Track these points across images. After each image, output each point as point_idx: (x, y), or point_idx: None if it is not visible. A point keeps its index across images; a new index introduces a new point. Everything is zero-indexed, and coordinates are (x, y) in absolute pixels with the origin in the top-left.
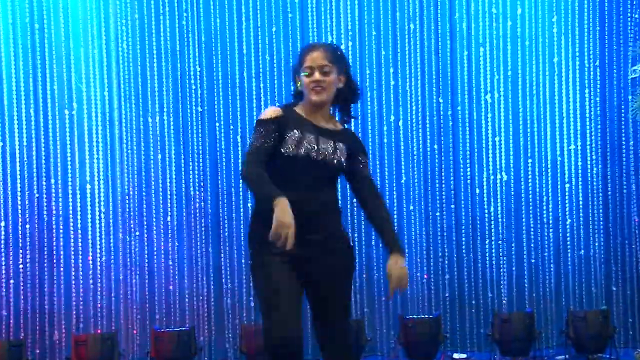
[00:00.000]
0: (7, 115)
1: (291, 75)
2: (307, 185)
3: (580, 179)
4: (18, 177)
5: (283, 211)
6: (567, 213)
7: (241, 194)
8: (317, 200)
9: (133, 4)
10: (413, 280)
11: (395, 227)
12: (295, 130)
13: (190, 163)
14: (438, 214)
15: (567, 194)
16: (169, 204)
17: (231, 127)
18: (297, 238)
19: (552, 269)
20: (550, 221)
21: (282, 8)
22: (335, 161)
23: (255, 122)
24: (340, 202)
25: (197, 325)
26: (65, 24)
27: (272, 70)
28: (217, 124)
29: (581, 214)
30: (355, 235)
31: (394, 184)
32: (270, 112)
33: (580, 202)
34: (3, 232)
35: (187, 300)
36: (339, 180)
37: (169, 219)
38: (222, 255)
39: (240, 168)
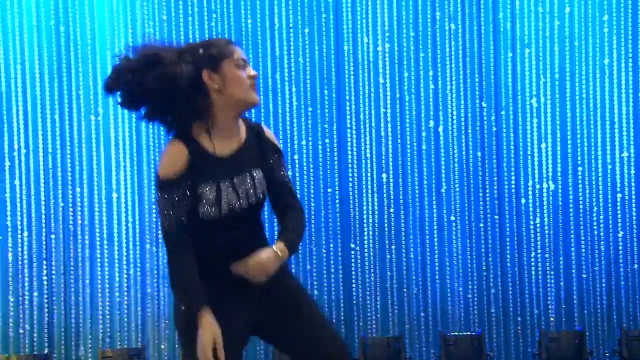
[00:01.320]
0: (32, 121)
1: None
2: (236, 236)
3: (633, 188)
4: (42, 185)
5: (208, 341)
6: (619, 224)
7: None
8: (247, 248)
9: (161, 5)
10: (455, 295)
11: (297, 236)
12: (208, 184)
13: None
14: (481, 225)
15: (619, 204)
16: None
17: None
18: (234, 289)
19: (603, 284)
20: (601, 233)
21: (316, 8)
22: (259, 195)
23: (158, 181)
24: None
25: None
26: (92, 26)
27: (306, 73)
28: None
29: (634, 225)
30: (393, 247)
31: (434, 194)
32: (176, 160)
33: (634, 213)
34: (27, 243)
35: None
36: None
37: None
38: None
39: (165, 247)
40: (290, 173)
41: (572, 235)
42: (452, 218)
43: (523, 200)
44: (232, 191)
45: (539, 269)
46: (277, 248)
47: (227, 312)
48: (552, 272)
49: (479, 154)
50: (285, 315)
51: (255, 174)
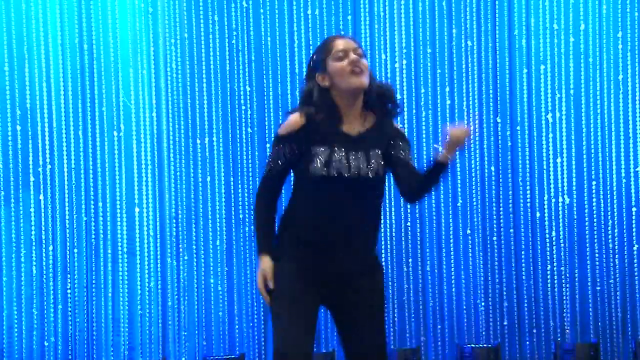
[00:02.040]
0: (56, 137)
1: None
2: (339, 205)
3: None
4: (66, 200)
5: (260, 275)
6: (634, 238)
7: None
8: (350, 220)
9: (182, 23)
10: (471, 307)
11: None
12: (322, 147)
13: (240, 185)
14: (495, 238)
15: (634, 218)
16: (218, 228)
17: None
18: (324, 256)
19: (618, 297)
20: (616, 247)
21: (335, 26)
22: (370, 174)
23: (274, 135)
24: (381, 214)
25: (247, 352)
26: (114, 44)
27: None
28: (268, 146)
29: None
30: (410, 260)
31: (450, 207)
32: (291, 124)
33: None
34: (52, 256)
35: (237, 326)
36: (384, 189)
37: (218, 242)
38: None
39: (257, 189)
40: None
41: (587, 249)
42: (468, 231)
43: (538, 214)
44: (344, 160)
45: (555, 281)
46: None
47: (298, 272)
48: (567, 285)
49: (493, 168)
50: (353, 310)
51: (371, 154)
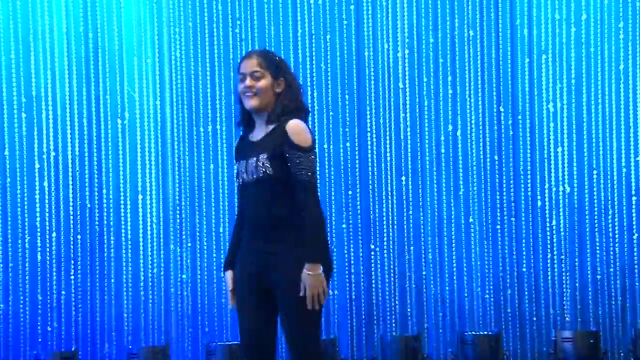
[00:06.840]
0: (61, 124)
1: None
2: (248, 207)
3: None
4: (70, 187)
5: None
6: (634, 227)
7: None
8: (256, 219)
9: (187, 12)
10: (472, 295)
11: (310, 237)
12: (238, 162)
13: None
14: (498, 227)
15: (634, 206)
16: (221, 215)
17: None
18: (245, 255)
19: (618, 285)
20: (616, 235)
21: (338, 15)
22: (255, 176)
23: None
24: (290, 216)
25: None
26: (119, 33)
27: (327, 79)
28: None
29: None
30: (412, 248)
31: (452, 196)
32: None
33: None
34: (55, 243)
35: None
36: (276, 185)
37: (220, 229)
38: None
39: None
40: (310, 173)
41: (587, 237)
42: (470, 220)
43: (539, 203)
44: (244, 168)
45: (555, 270)
46: (306, 270)
47: (240, 262)
48: (567, 273)
49: (496, 157)
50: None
51: (261, 157)
